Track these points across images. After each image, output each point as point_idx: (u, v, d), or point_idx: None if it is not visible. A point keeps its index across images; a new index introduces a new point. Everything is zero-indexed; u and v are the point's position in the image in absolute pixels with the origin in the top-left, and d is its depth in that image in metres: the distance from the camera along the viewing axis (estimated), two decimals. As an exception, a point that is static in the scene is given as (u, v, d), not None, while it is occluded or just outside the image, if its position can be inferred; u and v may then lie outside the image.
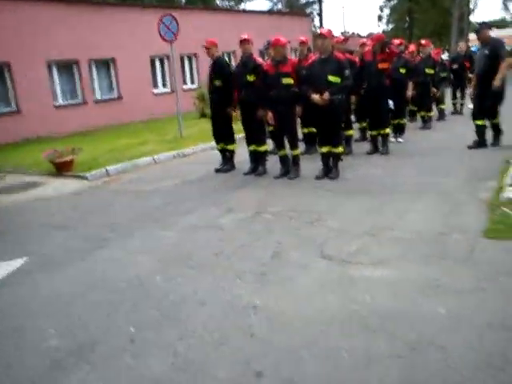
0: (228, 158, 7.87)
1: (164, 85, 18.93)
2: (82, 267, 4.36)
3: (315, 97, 6.39)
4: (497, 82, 7.28)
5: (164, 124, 14.48)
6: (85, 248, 4.82)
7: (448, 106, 12.47)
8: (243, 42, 7.06)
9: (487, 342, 2.70)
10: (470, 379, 2.41)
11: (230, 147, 7.81)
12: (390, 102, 8.35)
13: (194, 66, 20.04)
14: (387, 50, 7.86)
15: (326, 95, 6.32)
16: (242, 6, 40.80)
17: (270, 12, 34.46)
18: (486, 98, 7.57)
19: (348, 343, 2.80)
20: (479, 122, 7.87)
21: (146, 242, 4.89)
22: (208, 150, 9.81)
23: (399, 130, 9.28)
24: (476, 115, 7.90)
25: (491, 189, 5.55)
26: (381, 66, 7.84)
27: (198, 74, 19.60)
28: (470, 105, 12.63)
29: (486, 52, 7.44)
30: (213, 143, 8.26)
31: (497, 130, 7.94)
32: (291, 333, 2.97)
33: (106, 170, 8.37)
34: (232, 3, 39.77)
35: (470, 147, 7.92)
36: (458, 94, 12.59)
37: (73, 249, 4.84)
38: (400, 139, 9.22)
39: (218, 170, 7.78)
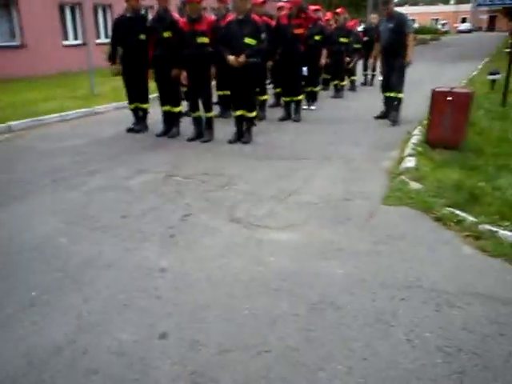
0: (141, 118, 7.66)
1: (75, 37, 17.83)
2: (-21, 228, 4.13)
3: (231, 58, 6.32)
4: (409, 57, 7.42)
5: (75, 79, 13.76)
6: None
7: (359, 77, 12.89)
8: (190, 2, 6.65)
9: (379, 300, 2.92)
10: (361, 333, 2.61)
11: (143, 106, 7.60)
12: (304, 69, 8.45)
13: (109, 18, 19.01)
14: (303, 16, 7.90)
15: (242, 57, 6.28)
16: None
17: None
18: (392, 71, 7.67)
19: (251, 304, 2.91)
20: (387, 94, 8.03)
21: (51, 202, 4.70)
22: (121, 110, 9.47)
23: (312, 98, 9.47)
24: (385, 87, 8.05)
25: (393, 158, 5.88)
26: (296, 31, 7.86)
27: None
28: (380, 77, 13.19)
29: (391, 25, 7.48)
30: (125, 102, 7.97)
31: (398, 104, 8.00)
32: (196, 294, 3.03)
33: (9, 126, 7.84)
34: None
35: (377, 117, 8.24)
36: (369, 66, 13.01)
37: (-31, 208, 4.55)
38: (312, 107, 9.44)
39: (129, 130, 7.56)
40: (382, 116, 8.20)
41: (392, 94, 7.85)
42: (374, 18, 13.09)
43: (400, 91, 7.76)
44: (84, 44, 15.25)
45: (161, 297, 3.01)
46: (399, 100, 7.88)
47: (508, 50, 8.64)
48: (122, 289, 3.10)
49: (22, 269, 3.39)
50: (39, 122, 8.32)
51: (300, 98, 8.39)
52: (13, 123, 7.91)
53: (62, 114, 8.86)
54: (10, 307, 2.93)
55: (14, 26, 15.59)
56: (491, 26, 66.76)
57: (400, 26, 7.42)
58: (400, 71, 7.60)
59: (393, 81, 7.72)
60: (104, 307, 2.91)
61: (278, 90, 9.36)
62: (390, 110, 7.99)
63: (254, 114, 6.82)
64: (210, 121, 6.98)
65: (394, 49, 7.47)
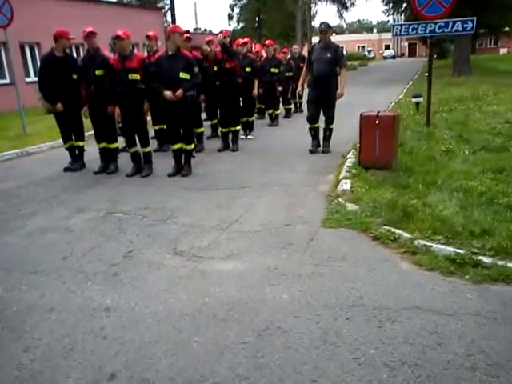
0: (77, 156, 7.54)
1: (2, 76, 17.36)
2: None
3: (168, 93, 6.38)
4: (341, 90, 7.37)
5: (4, 120, 13.31)
6: None
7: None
8: (88, 35, 6.80)
9: (324, 321, 3.00)
10: (308, 356, 2.68)
11: (79, 144, 7.50)
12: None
13: (37, 55, 18.66)
14: (232, 49, 8.20)
15: (180, 92, 6.36)
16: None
17: (120, 3, 33.43)
18: (323, 101, 7.58)
19: (199, 336, 2.92)
20: (316, 125, 7.92)
21: (-17, 248, 4.52)
22: (57, 148, 9.25)
23: (248, 127, 9.67)
24: (312, 119, 7.87)
25: (330, 182, 6.09)
26: (228, 65, 8.12)
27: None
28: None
29: (329, 55, 7.31)
30: (61, 140, 7.79)
31: (330, 135, 7.90)
32: (143, 331, 3.00)
33: None
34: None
35: (311, 151, 7.89)
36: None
37: None
38: (250, 136, 9.62)
39: (66, 169, 7.41)
40: (316, 148, 7.93)
41: (327, 126, 7.79)
42: (295, 48, 13.69)
43: (332, 122, 7.75)
44: (12, 83, 14.85)
45: (107, 337, 2.96)
46: (331, 130, 7.84)
47: (427, 75, 9.21)
48: (67, 332, 3.02)
49: (-43, 321, 3.24)
50: (-32, 166, 8.00)
51: (238, 128, 8.56)
52: None
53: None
54: None
55: None
56: (413, 53, 70.90)
57: (337, 57, 7.35)
58: (333, 102, 7.55)
59: (325, 112, 7.68)
60: (47, 354, 2.82)
61: (213, 121, 9.50)
62: (323, 141, 7.95)
63: (191, 146, 6.87)
64: (148, 155, 6.98)
65: (327, 79, 7.38)
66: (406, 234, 4.14)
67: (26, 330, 3.08)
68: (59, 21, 16.66)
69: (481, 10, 20.73)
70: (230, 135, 8.49)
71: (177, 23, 40.22)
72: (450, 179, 5.42)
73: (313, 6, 37.55)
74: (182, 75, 6.44)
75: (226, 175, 6.77)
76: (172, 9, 41.57)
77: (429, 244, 3.90)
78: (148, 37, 8.00)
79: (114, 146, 7.18)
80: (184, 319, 3.11)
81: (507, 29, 42.34)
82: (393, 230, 4.25)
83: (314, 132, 7.98)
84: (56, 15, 17.95)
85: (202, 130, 8.69)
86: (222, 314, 3.15)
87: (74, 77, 7.02)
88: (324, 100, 7.57)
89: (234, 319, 3.08)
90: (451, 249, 3.78)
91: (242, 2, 47.01)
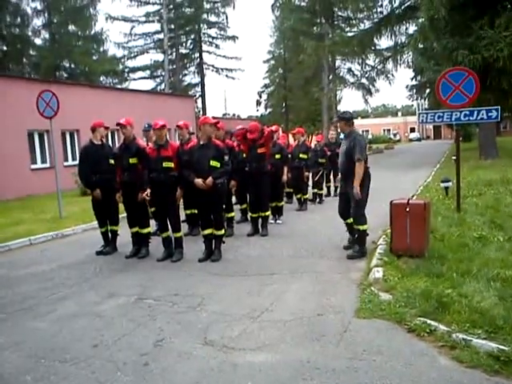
0: (110, 240, 7.70)
1: (43, 160, 18.25)
2: None
3: (198, 181, 6.60)
4: (356, 190, 6.38)
5: (42, 202, 13.80)
6: None
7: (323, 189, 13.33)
8: (122, 126, 7.19)
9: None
10: None
11: (114, 228, 7.69)
12: None
13: (76, 141, 19.65)
14: (264, 137, 8.47)
15: (210, 180, 6.56)
16: (126, 85, 41.33)
17: (154, 92, 35.32)
18: (348, 197, 6.71)
19: (231, 435, 2.81)
20: (349, 221, 6.96)
21: (14, 334, 4.53)
22: (90, 231, 9.48)
23: (277, 212, 9.75)
24: (342, 214, 7.04)
25: (361, 269, 6.01)
26: (260, 150, 8.41)
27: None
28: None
29: (345, 147, 6.64)
30: (95, 223, 8.01)
31: (359, 236, 6.72)
32: (174, 428, 2.91)
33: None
34: (116, 81, 40.09)
35: (346, 247, 7.08)
36: (332, 178, 13.56)
37: None
38: (279, 221, 9.67)
39: (99, 253, 7.55)
40: (350, 246, 7.00)
41: (354, 225, 6.78)
42: (331, 134, 14.05)
43: (359, 223, 6.62)
44: (51, 167, 15.53)
45: (136, 434, 2.88)
46: (360, 232, 6.68)
47: (454, 158, 9.26)
48: (95, 428, 2.95)
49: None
50: (6, 248, 8.21)
51: (268, 213, 8.67)
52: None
53: (31, 237, 8.80)
54: None
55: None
56: (438, 135, 71.88)
57: (351, 148, 6.49)
58: (355, 200, 6.51)
59: (351, 211, 6.72)
60: None
61: (243, 206, 9.68)
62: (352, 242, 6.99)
63: (222, 231, 6.97)
64: (179, 240, 7.07)
65: (345, 173, 6.70)
66: (442, 327, 4.01)
67: (55, 424, 3.02)
68: (97, 108, 17.76)
69: (503, 96, 21.13)
70: (260, 220, 8.58)
71: (207, 110, 42.14)
72: (486, 267, 5.29)
73: (338, 92, 38.90)
74: (213, 163, 6.70)
75: (256, 261, 6.75)
76: (203, 96, 43.80)
77: (468, 338, 3.76)
78: (179, 127, 8.31)
79: (145, 231, 7.33)
80: (215, 416, 3.02)
81: (530, 113, 43.01)
82: (428, 321, 4.12)
83: (348, 228, 7.13)
84: (94, 103, 19.06)
85: (232, 214, 8.81)
86: (254, 411, 3.04)
87: (112, 162, 7.35)
88: (347, 196, 6.76)
89: (266, 417, 2.97)
90: (494, 344, 3.62)
91: (269, 89, 49.07)
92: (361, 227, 6.62)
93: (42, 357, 4.01)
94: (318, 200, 12.50)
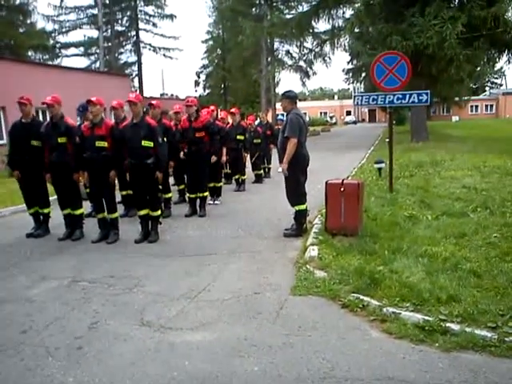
0: (42, 222, 7.39)
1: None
2: None
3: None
4: (284, 167, 6.37)
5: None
6: None
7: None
8: (49, 105, 6.81)
9: (295, 395, 2.94)
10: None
11: (44, 211, 7.37)
12: None
13: (2, 119, 18.58)
14: (200, 117, 8.40)
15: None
16: (58, 62, 39.54)
17: (89, 70, 34.00)
18: (286, 180, 6.63)
19: (167, 414, 2.81)
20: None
21: None
22: (19, 213, 9.03)
23: (215, 193, 9.71)
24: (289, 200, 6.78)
25: (297, 248, 6.12)
26: (198, 134, 8.32)
27: (7, 129, 18.23)
28: (279, 169, 13.84)
29: (283, 125, 6.67)
30: (24, 205, 7.63)
31: (295, 216, 6.74)
32: (109, 410, 2.87)
33: None
34: (46, 57, 38.23)
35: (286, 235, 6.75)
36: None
37: None
38: (217, 201, 9.65)
39: (29, 235, 7.22)
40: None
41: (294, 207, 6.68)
42: (264, 116, 14.22)
43: (296, 203, 6.63)
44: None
45: (69, 418, 2.81)
46: (296, 212, 6.69)
47: (388, 140, 9.58)
48: (25, 414, 2.86)
49: None
50: None
51: (205, 194, 8.62)
52: None
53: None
54: None
55: None
56: (373, 118, 74.05)
57: (284, 127, 6.46)
58: (286, 180, 6.57)
59: (287, 192, 6.72)
60: None
61: (181, 186, 9.60)
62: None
63: (158, 212, 6.88)
64: (114, 221, 6.90)
65: (281, 152, 6.55)
66: (374, 302, 4.17)
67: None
68: (26, 86, 16.87)
69: (432, 81, 22.05)
70: (198, 201, 8.51)
71: (144, 89, 41.11)
72: (415, 245, 5.54)
73: (277, 74, 39.08)
74: (145, 143, 6.54)
75: (194, 241, 6.72)
76: (139, 75, 42.69)
77: (397, 311, 3.93)
78: (113, 107, 7.95)
79: (78, 212, 7.09)
80: (151, 396, 3.00)
81: (457, 99, 45.14)
82: (361, 297, 4.27)
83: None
84: (22, 80, 18.08)
85: (169, 195, 8.70)
86: (191, 389, 3.05)
87: (34, 143, 6.98)
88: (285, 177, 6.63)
89: (203, 395, 2.99)
90: (419, 316, 3.81)
91: (208, 70, 48.56)
92: (296, 207, 6.65)
93: (-33, 344, 3.82)
94: (257, 180, 12.57)
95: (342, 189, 6.08)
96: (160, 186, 7.06)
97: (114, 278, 5.26)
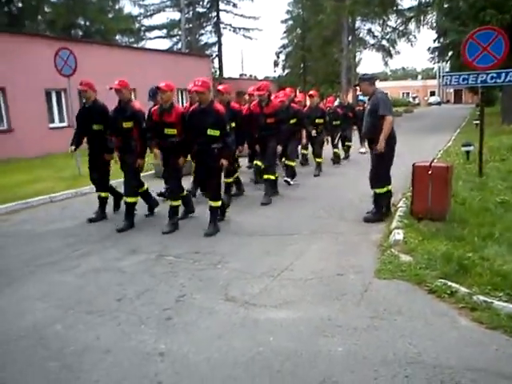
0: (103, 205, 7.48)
1: (61, 119, 18.27)
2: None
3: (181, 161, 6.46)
4: (380, 146, 6.13)
5: (61, 160, 13.84)
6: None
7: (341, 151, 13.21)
8: (117, 90, 6.62)
9: (382, 378, 2.91)
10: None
11: (102, 194, 7.41)
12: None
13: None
14: (271, 102, 8.06)
15: (182, 160, 6.47)
16: (142, 44, 40.88)
17: (171, 51, 34.89)
18: (374, 161, 6.44)
19: (254, 386, 2.88)
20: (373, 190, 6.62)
21: (42, 287, 4.65)
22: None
23: (289, 172, 9.46)
24: (370, 181, 6.61)
25: (381, 231, 6.00)
26: (269, 120, 7.95)
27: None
28: (362, 149, 13.56)
29: (368, 108, 6.45)
30: (113, 181, 7.88)
31: (376, 199, 6.59)
32: (198, 378, 3.00)
33: (-6, 210, 7.85)
34: (132, 40, 39.65)
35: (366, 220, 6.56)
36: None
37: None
38: (292, 182, 9.40)
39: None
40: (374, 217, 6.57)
41: (372, 188, 6.60)
42: (345, 97, 13.84)
43: (378, 186, 6.45)
44: (69, 126, 15.54)
45: (162, 382, 2.97)
46: (377, 196, 6.53)
47: (476, 122, 9.08)
48: (123, 375, 3.05)
49: (18, 359, 3.32)
50: (28, 205, 8.32)
51: (272, 177, 8.18)
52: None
53: (51, 195, 8.89)
54: (7, 401, 2.85)
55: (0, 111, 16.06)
56: (458, 99, 70.40)
57: (375, 107, 6.22)
58: (377, 161, 6.34)
59: (370, 173, 6.54)
60: (105, 397, 2.85)
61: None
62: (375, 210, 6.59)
63: (218, 203, 6.41)
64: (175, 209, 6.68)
65: (371, 135, 6.39)
66: (463, 289, 4.01)
67: (84, 371, 3.13)
68: (115, 68, 17.60)
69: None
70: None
71: (223, 70, 41.57)
72: (508, 232, 5.25)
73: (358, 53, 38.11)
74: (210, 132, 6.12)
75: (274, 221, 6.76)
76: (219, 56, 43.17)
77: (489, 300, 3.76)
78: (189, 91, 7.28)
79: (129, 200, 6.75)
80: (238, 368, 3.09)
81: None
82: (449, 283, 4.12)
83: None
84: (111, 62, 18.89)
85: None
86: (276, 364, 3.11)
87: (95, 127, 7.03)
88: (372, 160, 6.50)
89: (288, 371, 3.03)
90: (515, 307, 3.63)
91: (287, 50, 48.19)
92: (377, 190, 6.46)
93: (70, 308, 4.12)
94: (336, 162, 12.35)
95: (430, 171, 5.85)
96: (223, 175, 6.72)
97: (198, 254, 5.43)
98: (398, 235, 5.41)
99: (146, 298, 4.27)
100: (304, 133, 9.36)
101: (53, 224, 7.11)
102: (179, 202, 6.73)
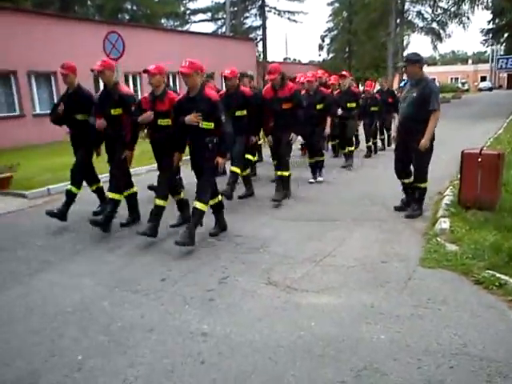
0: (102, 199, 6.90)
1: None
2: (21, 291, 4.24)
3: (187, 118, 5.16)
4: (425, 143, 5.68)
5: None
6: (23, 271, 4.69)
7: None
8: (99, 72, 5.78)
9: (425, 367, 2.87)
10: (409, 404, 2.57)
11: (73, 189, 6.52)
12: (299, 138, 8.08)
13: (139, 84, 19.91)
14: (287, 84, 6.99)
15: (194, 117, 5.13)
16: (187, 27, 41.11)
17: (215, 35, 34.98)
18: (409, 152, 5.97)
19: (295, 370, 2.90)
20: (406, 181, 6.29)
21: (90, 265, 4.82)
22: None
23: (318, 168, 8.60)
24: (400, 173, 6.29)
25: (426, 219, 5.89)
26: (285, 106, 6.91)
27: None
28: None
29: (414, 95, 5.76)
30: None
31: (420, 194, 6.16)
32: (240, 359, 3.03)
33: (48, 189, 8.12)
34: (177, 23, 39.93)
35: (397, 208, 6.40)
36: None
37: (10, 272, 4.68)
38: (320, 178, 8.59)
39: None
40: (403, 207, 6.37)
41: (414, 184, 6.16)
42: (384, 81, 13.07)
43: (422, 180, 6.04)
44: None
45: (204, 362, 3.03)
46: (421, 191, 6.13)
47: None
48: (166, 353, 3.13)
49: (68, 332, 3.46)
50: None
51: (285, 174, 7.18)
52: (52, 187, 8.18)
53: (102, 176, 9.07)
54: (59, 371, 2.97)
55: (52, 95, 16.59)
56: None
57: (424, 98, 5.67)
58: (421, 155, 5.82)
59: (413, 167, 6.10)
60: (150, 372, 2.93)
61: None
62: (411, 201, 6.28)
63: (204, 207, 5.31)
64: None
65: (410, 124, 5.83)
66: (513, 281, 3.89)
67: (130, 346, 3.23)
68: (160, 51, 17.78)
69: None
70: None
71: (267, 54, 41.35)
72: (562, 225, 5.05)
73: (406, 37, 37.11)
74: (203, 125, 5.17)
75: (316, 208, 6.73)
76: (264, 39, 42.94)
77: (541, 294, 3.64)
78: (226, 77, 6.96)
79: (125, 193, 6.35)
80: (280, 351, 3.11)
81: None
82: (498, 275, 4.00)
83: (404, 188, 6.43)
84: (156, 46, 19.11)
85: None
86: (317, 349, 3.11)
87: (78, 117, 6.25)
88: (410, 151, 5.96)
89: (330, 356, 3.03)
90: None
91: (332, 33, 47.40)
92: (422, 185, 6.06)
93: (115, 286, 4.25)
94: (368, 154, 11.60)
95: (480, 159, 5.67)
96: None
97: (241, 237, 5.47)
98: (444, 224, 5.29)
99: (189, 279, 4.35)
100: (329, 120, 8.31)
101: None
102: (167, 203, 5.72)
